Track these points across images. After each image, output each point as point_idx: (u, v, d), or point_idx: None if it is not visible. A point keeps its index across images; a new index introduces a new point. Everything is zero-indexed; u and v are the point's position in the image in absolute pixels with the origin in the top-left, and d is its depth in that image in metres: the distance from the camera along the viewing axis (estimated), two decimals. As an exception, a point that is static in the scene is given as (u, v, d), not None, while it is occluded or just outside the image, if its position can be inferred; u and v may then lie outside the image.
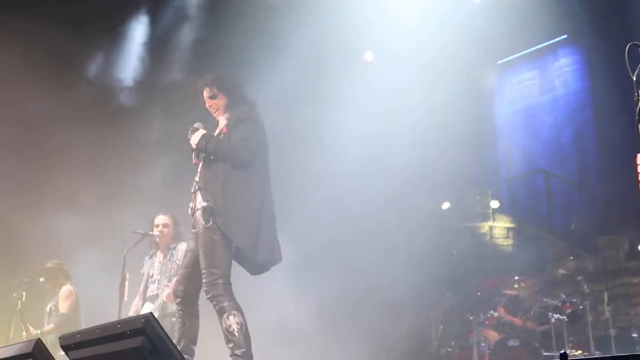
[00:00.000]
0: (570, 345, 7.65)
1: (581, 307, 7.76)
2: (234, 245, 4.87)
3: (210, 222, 4.77)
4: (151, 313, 3.51)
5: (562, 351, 2.92)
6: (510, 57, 11.92)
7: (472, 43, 10.42)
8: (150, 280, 6.25)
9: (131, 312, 6.12)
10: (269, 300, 7.75)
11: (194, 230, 4.98)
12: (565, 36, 11.22)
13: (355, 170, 8.95)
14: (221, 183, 4.92)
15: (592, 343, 7.62)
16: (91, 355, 3.40)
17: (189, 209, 5.07)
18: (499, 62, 11.97)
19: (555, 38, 11.30)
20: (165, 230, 6.30)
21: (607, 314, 7.89)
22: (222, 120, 5.20)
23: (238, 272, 5.04)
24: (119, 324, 3.52)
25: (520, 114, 11.88)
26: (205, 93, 5.21)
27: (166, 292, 5.92)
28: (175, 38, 10.03)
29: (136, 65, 9.88)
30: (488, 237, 10.60)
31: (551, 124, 11.39)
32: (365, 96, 9.15)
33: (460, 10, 10.38)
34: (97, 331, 3.46)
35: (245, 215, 4.93)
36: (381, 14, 9.52)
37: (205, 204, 4.84)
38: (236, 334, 4.59)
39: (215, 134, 5.09)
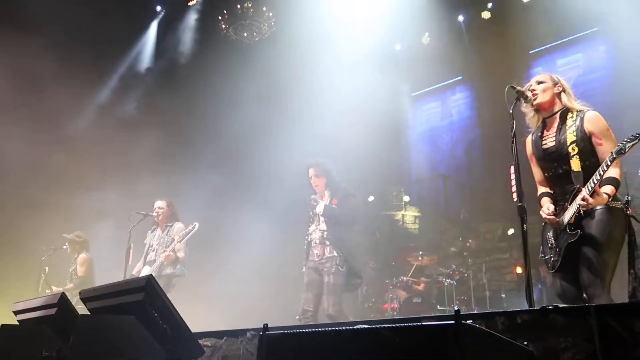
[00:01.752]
0: (457, 302, 7.75)
1: (466, 274, 7.90)
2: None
3: (343, 268, 5.25)
4: (151, 275, 3.41)
5: (456, 308, 2.92)
6: (421, 91, 11.98)
7: (394, 79, 10.49)
8: (150, 248, 6.19)
9: (134, 273, 6.01)
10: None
11: (312, 264, 5.40)
12: (460, 77, 11.34)
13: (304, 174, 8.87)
14: (338, 236, 5.37)
15: (473, 301, 7.75)
16: (104, 306, 3.30)
17: (316, 254, 5.39)
18: (413, 94, 12.03)
19: (453, 78, 11.41)
20: (161, 211, 6.25)
21: (484, 280, 8.01)
22: (327, 194, 5.55)
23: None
24: (126, 282, 3.44)
25: (426, 133, 11.96)
26: (311, 172, 5.62)
27: (163, 255, 5.83)
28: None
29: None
30: (401, 223, 10.69)
31: (448, 141, 11.49)
32: (314, 117, 9.11)
33: (386, 55, 10.45)
34: (109, 287, 3.36)
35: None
36: (327, 60, 9.48)
37: (337, 254, 5.28)
38: None
39: (325, 204, 5.44)
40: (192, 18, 10.48)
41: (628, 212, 3.19)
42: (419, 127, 12.07)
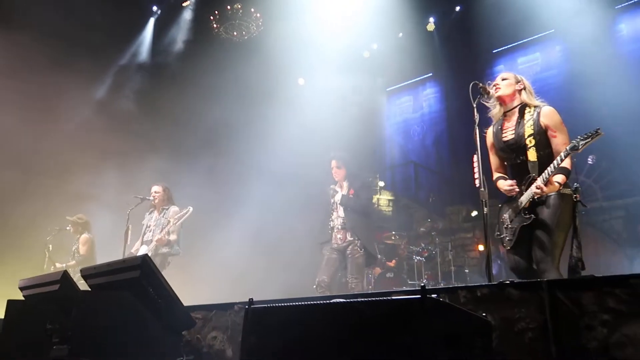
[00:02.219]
0: (425, 277, 7.82)
1: (434, 252, 7.94)
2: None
3: (362, 250, 5.34)
4: (147, 254, 3.36)
5: (422, 283, 3.01)
6: (395, 87, 12.02)
7: (370, 76, 10.49)
8: (147, 229, 6.10)
9: (132, 252, 5.95)
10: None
11: (336, 246, 5.44)
12: (430, 74, 11.36)
13: (289, 161, 8.85)
14: (357, 224, 5.43)
15: (439, 275, 7.82)
16: (103, 282, 3.27)
17: (338, 238, 5.44)
18: (388, 89, 12.04)
19: (424, 75, 11.43)
20: (158, 195, 6.17)
21: (450, 257, 8.09)
22: (345, 184, 5.57)
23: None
24: (123, 261, 3.40)
25: (400, 124, 12.00)
26: (333, 164, 5.62)
27: (157, 237, 5.78)
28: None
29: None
30: (376, 205, 10.71)
31: (419, 132, 11.55)
32: (298, 109, 9.06)
33: (364, 53, 10.42)
34: (108, 265, 3.32)
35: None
36: (310, 57, 9.41)
37: (357, 239, 5.36)
38: None
39: (344, 194, 5.50)
40: (186, 17, 10.31)
41: (576, 198, 3.23)
42: (392, 119, 12.11)
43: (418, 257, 7.82)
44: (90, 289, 3.32)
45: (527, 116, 3.43)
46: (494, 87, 3.57)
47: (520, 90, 3.55)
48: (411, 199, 10.85)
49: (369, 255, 5.53)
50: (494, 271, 8.19)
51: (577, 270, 3.12)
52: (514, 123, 3.49)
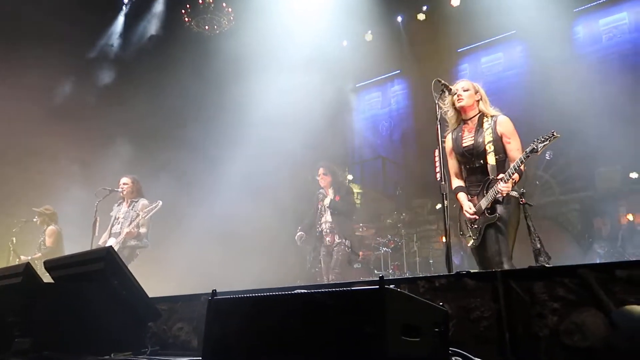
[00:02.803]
0: (392, 267, 7.88)
1: (400, 243, 8.01)
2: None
3: (348, 249, 6.10)
4: (111, 246, 3.28)
5: (380, 274, 3.16)
6: (364, 82, 11.99)
7: (341, 72, 10.47)
8: (115, 221, 5.96)
9: (100, 243, 5.80)
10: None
11: (325, 249, 6.22)
12: (399, 71, 11.40)
13: (263, 152, 8.79)
14: (342, 226, 6.12)
15: (405, 266, 7.90)
16: (67, 274, 3.18)
17: (327, 240, 6.15)
18: (357, 85, 12.03)
19: (393, 72, 11.47)
20: (126, 187, 6.05)
21: (415, 248, 8.18)
22: (331, 191, 6.24)
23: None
24: (87, 253, 3.30)
25: (368, 120, 12.01)
26: (320, 170, 6.32)
27: (126, 230, 5.66)
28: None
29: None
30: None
31: (387, 127, 11.57)
32: (275, 104, 8.97)
33: (334, 49, 10.39)
34: (72, 257, 3.23)
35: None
36: (281, 53, 9.31)
37: (344, 240, 6.06)
38: None
39: (331, 199, 6.17)
40: (157, 10, 10.09)
41: (522, 201, 3.48)
42: (362, 114, 12.10)
43: (385, 249, 7.87)
44: (54, 282, 3.22)
45: (485, 125, 3.66)
46: (457, 97, 3.73)
47: (478, 100, 3.77)
48: (379, 192, 10.89)
49: (353, 254, 6.23)
50: (457, 262, 8.36)
51: (546, 261, 3.30)
52: (474, 131, 3.70)
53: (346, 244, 6.05)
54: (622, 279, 1.96)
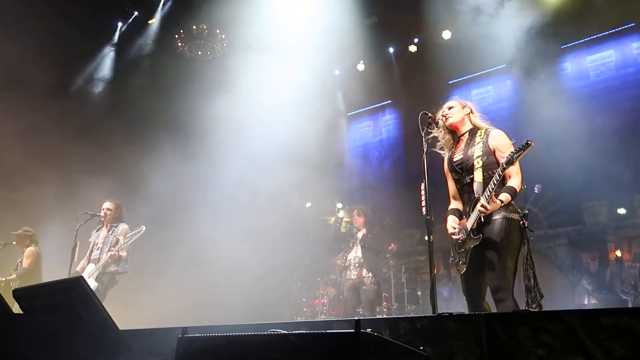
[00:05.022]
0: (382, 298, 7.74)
1: (387, 274, 7.89)
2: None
3: (375, 285, 6.46)
4: (82, 276, 3.16)
5: (356, 318, 2.97)
6: (356, 111, 12.07)
7: (332, 100, 10.51)
8: (95, 247, 5.80)
9: (78, 270, 5.63)
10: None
11: (350, 283, 6.55)
12: (390, 101, 11.48)
13: (251, 179, 8.69)
14: (374, 262, 6.55)
15: (392, 297, 7.77)
16: (36, 305, 3.03)
17: (354, 276, 6.54)
18: (349, 114, 12.09)
19: (384, 102, 11.55)
20: (109, 212, 5.90)
21: (404, 279, 8.06)
22: (363, 229, 6.74)
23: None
24: (57, 282, 3.15)
25: (359, 149, 12.04)
26: (355, 212, 6.90)
27: (109, 254, 5.51)
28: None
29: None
30: (333, 227, 10.62)
31: (378, 156, 11.60)
32: (265, 136, 8.93)
33: (327, 78, 10.45)
34: (41, 287, 3.11)
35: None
36: (275, 80, 9.32)
37: (370, 274, 6.44)
38: None
39: (364, 234, 6.67)
40: (151, 34, 10.12)
41: (524, 225, 3.19)
42: (353, 143, 12.14)
43: (372, 279, 7.73)
44: (22, 312, 3.07)
45: (477, 138, 3.44)
46: (444, 117, 3.58)
47: (468, 114, 3.59)
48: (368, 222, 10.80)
49: (379, 289, 6.64)
50: (445, 294, 8.22)
51: (535, 300, 3.08)
52: (465, 145, 3.50)
53: (372, 280, 6.40)
54: (608, 327, 1.88)
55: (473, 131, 3.51)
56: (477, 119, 3.57)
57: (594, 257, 7.27)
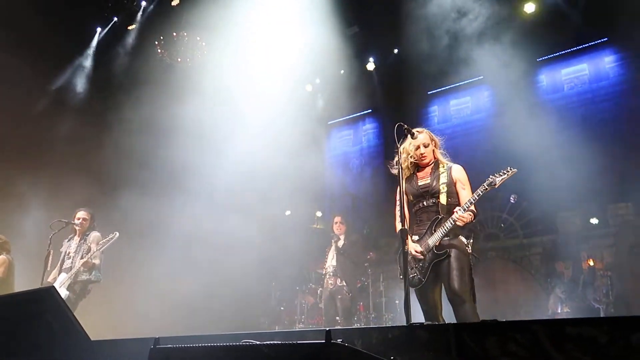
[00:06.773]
0: (358, 306, 7.77)
1: (366, 283, 7.93)
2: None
3: (350, 294, 6.71)
4: (53, 286, 3.12)
5: (327, 329, 3.16)
6: (336, 120, 12.13)
7: (312, 111, 10.56)
8: (67, 256, 5.73)
9: (50, 280, 5.53)
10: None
11: (327, 292, 6.79)
12: (370, 110, 11.58)
13: (233, 188, 8.65)
14: (349, 271, 6.78)
15: (371, 306, 7.79)
16: (7, 315, 2.98)
17: (330, 285, 6.78)
18: (329, 123, 12.14)
19: (363, 111, 11.64)
20: (84, 222, 5.82)
21: (382, 288, 8.10)
22: (342, 237, 6.95)
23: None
24: (28, 292, 3.12)
25: (340, 157, 12.09)
26: (337, 219, 7.01)
27: (81, 262, 5.43)
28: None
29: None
30: (313, 235, 10.63)
31: (358, 165, 11.66)
32: (245, 143, 8.90)
33: (307, 87, 10.51)
34: (11, 297, 3.06)
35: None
36: (255, 89, 9.34)
37: (344, 284, 6.65)
38: None
39: (343, 244, 6.89)
40: (130, 41, 10.05)
41: (469, 250, 3.62)
42: (333, 152, 12.19)
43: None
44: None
45: (441, 169, 3.85)
46: (421, 156, 3.90)
47: (433, 149, 3.95)
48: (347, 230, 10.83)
49: (354, 299, 6.80)
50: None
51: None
52: (429, 174, 3.87)
53: (345, 289, 6.56)
54: (573, 336, 1.93)
55: (437, 164, 3.90)
56: (439, 154, 3.95)
57: (567, 266, 7.42)
